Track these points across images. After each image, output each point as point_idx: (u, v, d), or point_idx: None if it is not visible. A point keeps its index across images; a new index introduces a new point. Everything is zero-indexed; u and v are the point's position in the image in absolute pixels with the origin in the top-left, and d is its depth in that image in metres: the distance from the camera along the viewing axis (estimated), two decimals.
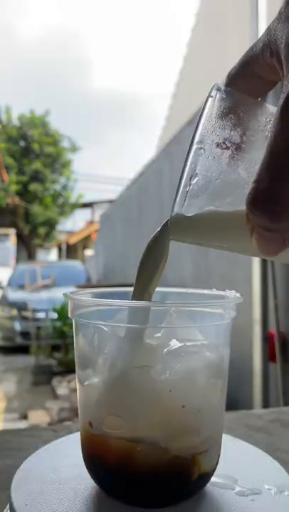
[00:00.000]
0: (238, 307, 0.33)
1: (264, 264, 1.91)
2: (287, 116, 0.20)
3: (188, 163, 0.25)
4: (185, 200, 0.25)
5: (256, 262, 1.94)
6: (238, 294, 0.33)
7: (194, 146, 0.26)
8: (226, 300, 0.33)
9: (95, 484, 0.33)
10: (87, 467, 0.33)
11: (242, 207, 0.22)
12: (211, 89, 0.28)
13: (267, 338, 1.89)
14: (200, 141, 0.26)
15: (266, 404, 1.86)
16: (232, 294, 0.34)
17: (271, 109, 0.28)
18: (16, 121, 13.63)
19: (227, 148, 0.26)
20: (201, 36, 5.09)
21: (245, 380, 2.11)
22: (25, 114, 13.63)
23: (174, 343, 0.30)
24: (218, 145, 0.26)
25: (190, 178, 0.25)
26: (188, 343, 0.30)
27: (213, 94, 0.27)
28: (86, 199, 15.23)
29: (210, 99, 0.27)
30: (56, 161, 13.65)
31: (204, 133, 0.26)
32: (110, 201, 9.61)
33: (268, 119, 0.28)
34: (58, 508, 0.30)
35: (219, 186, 0.25)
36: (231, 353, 0.34)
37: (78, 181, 14.50)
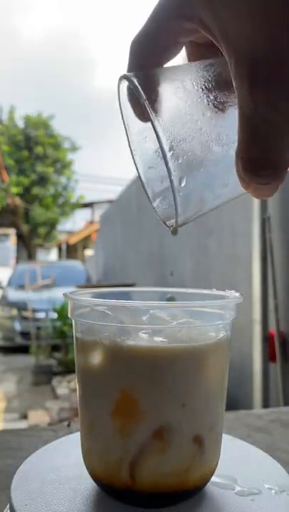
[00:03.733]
0: (238, 307, 0.33)
1: (264, 264, 1.91)
2: (251, 84, 0.21)
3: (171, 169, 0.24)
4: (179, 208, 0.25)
5: (256, 262, 1.95)
6: (238, 294, 0.33)
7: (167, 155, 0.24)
8: (226, 300, 0.33)
9: (95, 484, 0.33)
10: (87, 467, 0.33)
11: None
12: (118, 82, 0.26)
13: (267, 338, 1.89)
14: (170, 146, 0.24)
15: (266, 404, 1.86)
16: (232, 294, 0.34)
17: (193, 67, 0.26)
18: (19, 122, 13.64)
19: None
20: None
21: (245, 379, 2.11)
22: (31, 115, 13.63)
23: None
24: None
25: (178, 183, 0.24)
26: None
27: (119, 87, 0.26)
28: (86, 199, 15.24)
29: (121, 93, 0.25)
30: (58, 163, 13.65)
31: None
32: (110, 201, 9.62)
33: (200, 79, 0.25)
34: (58, 508, 0.30)
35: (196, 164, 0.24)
36: (231, 353, 0.34)
37: (79, 182, 14.52)
